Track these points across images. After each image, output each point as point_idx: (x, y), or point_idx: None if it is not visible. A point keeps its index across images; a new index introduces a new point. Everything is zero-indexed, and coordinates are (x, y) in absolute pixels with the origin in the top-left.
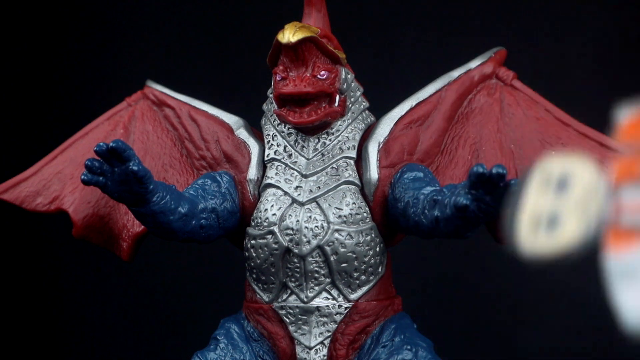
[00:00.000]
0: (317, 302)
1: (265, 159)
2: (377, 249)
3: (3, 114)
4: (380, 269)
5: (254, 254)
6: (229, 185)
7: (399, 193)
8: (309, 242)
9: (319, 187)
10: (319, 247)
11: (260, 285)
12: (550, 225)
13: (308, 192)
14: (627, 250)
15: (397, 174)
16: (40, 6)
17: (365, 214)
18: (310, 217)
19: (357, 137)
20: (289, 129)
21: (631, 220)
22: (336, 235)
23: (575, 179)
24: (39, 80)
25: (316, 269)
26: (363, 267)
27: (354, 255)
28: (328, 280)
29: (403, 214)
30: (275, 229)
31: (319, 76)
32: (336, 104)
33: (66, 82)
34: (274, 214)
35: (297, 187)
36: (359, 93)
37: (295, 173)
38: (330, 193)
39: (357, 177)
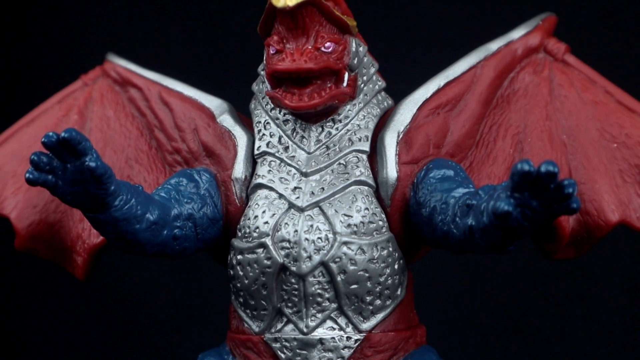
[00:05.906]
0: (319, 333)
1: (255, 152)
2: (396, 267)
3: None
4: (399, 292)
5: (240, 273)
6: (209, 186)
7: (423, 196)
8: (310, 257)
9: (323, 189)
10: (323, 264)
11: (248, 311)
12: None
13: (309, 194)
14: None
15: (421, 172)
16: None
17: (380, 223)
18: (311, 226)
19: (371, 126)
20: (285, 115)
21: None
22: (344, 249)
23: None
24: None
25: (319, 291)
26: (378, 289)
27: (367, 275)
28: (334, 305)
29: (428, 223)
30: (268, 241)
31: (323, 49)
32: (344, 84)
33: (8, 56)
34: (266, 222)
35: (296, 188)
36: (373, 70)
37: (293, 171)
38: (336, 196)
39: (371, 175)
